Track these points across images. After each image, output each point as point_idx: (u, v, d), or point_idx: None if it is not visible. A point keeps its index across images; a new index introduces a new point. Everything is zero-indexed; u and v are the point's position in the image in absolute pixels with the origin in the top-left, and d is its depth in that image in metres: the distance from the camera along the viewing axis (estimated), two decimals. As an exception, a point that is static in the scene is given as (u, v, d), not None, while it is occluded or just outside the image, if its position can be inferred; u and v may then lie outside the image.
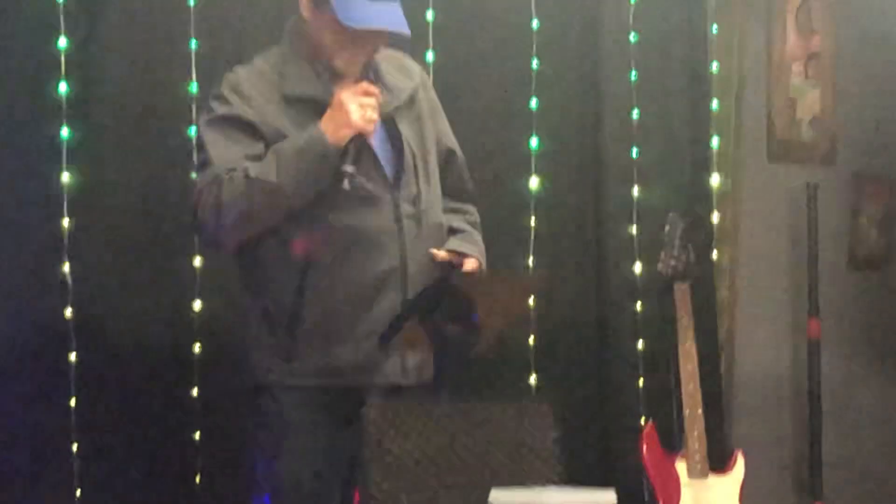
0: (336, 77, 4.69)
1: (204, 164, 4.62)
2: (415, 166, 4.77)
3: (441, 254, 4.76)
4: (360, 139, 4.56)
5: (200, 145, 4.67)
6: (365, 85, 4.61)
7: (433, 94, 4.95)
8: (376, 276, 4.69)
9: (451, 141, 4.96)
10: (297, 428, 4.72)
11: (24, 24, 5.18)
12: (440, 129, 4.93)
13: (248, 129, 4.62)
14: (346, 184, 4.50)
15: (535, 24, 5.98)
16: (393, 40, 4.77)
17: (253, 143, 4.61)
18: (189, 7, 5.39)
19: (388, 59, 4.85)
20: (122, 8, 5.36)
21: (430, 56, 5.68)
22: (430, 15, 5.67)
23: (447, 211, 4.92)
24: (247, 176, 4.52)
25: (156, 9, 5.41)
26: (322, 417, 4.73)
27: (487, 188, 5.58)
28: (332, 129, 4.54)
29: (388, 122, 4.72)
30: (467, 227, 4.95)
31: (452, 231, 4.90)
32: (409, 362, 4.79)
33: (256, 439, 4.79)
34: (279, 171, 4.52)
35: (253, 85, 4.69)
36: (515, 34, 5.99)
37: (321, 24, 4.68)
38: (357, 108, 4.55)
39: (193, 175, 4.83)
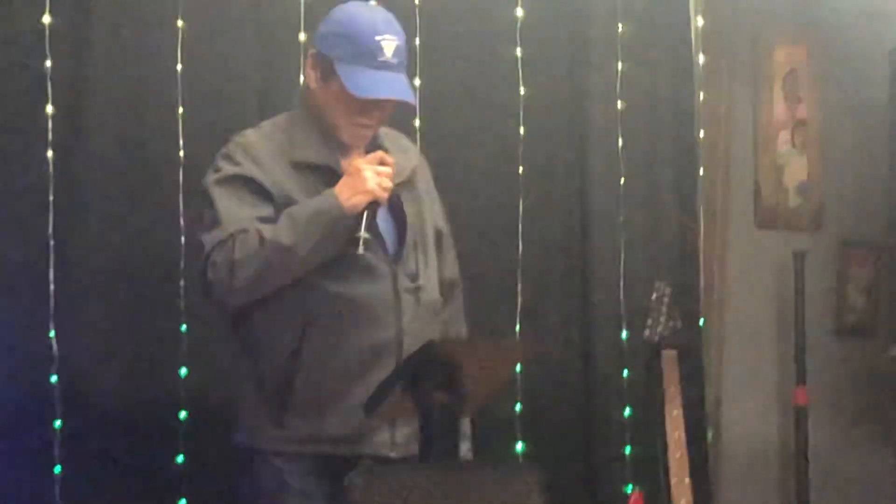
0: (343, 148, 4.73)
1: (213, 223, 4.59)
2: (414, 243, 4.80)
3: None
4: (375, 206, 4.58)
5: (208, 203, 4.63)
6: (381, 154, 4.66)
7: (429, 175, 4.99)
8: (372, 347, 4.70)
9: (443, 222, 5.00)
10: (289, 492, 4.71)
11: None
12: (435, 211, 4.96)
13: (257, 190, 4.63)
14: (360, 248, 4.51)
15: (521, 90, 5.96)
16: (398, 108, 4.80)
17: (262, 204, 4.62)
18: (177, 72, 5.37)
19: (390, 137, 4.89)
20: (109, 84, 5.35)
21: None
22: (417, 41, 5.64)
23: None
24: (261, 237, 4.52)
25: (144, 76, 5.39)
26: (313, 483, 4.73)
27: (475, 255, 5.59)
28: (347, 195, 4.56)
29: (393, 198, 4.72)
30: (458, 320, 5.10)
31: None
32: (398, 434, 4.80)
33: (252, 494, 4.77)
34: (293, 234, 4.53)
35: (262, 148, 4.71)
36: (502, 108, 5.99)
37: (328, 95, 4.73)
38: (374, 176, 4.58)
39: (199, 235, 4.70)
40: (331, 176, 4.65)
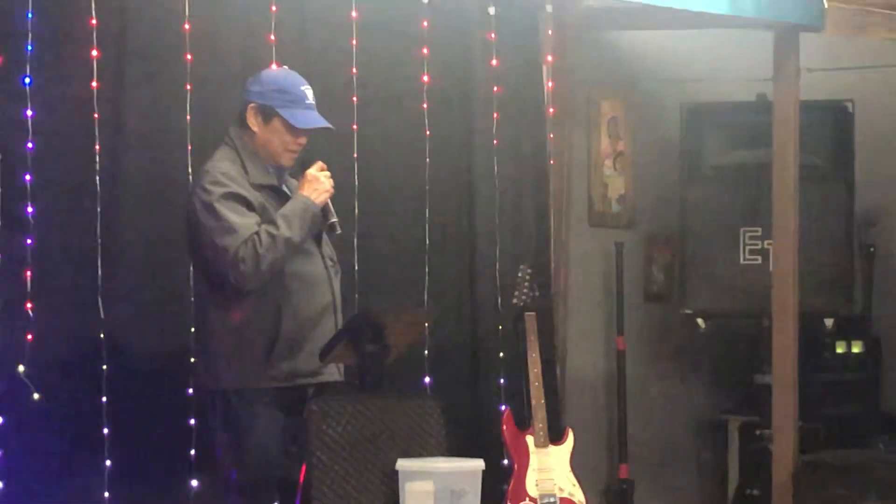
0: (280, 170, 4.76)
1: (230, 231, 4.53)
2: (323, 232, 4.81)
3: None
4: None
5: (215, 217, 4.56)
6: (321, 164, 4.72)
7: None
8: (321, 306, 4.72)
9: (334, 216, 4.90)
10: (264, 418, 4.66)
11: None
12: (330, 209, 4.89)
13: (245, 203, 4.61)
14: (337, 228, 4.68)
15: (427, 132, 5.92)
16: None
17: (252, 213, 4.60)
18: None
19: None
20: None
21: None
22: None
23: None
24: (271, 235, 4.53)
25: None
26: (278, 411, 4.69)
27: (396, 249, 5.56)
28: (315, 196, 4.64)
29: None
30: None
31: None
32: (342, 366, 4.80)
33: (231, 429, 4.70)
34: (291, 229, 4.56)
35: (234, 173, 4.66)
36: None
37: (270, 133, 4.71)
38: (326, 179, 4.68)
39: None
40: (276, 191, 4.70)
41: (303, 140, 4.75)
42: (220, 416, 4.71)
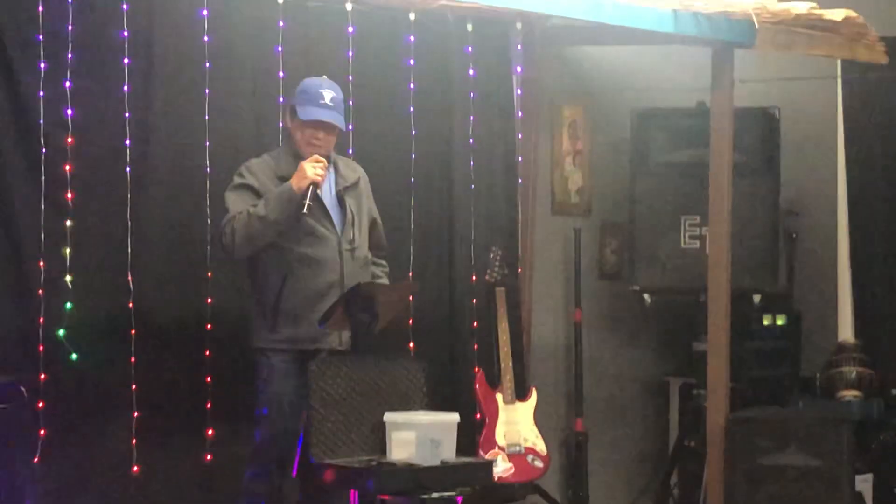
0: None
1: (226, 212, 4.74)
2: (353, 223, 4.86)
3: None
4: (314, 186, 4.67)
5: (224, 202, 4.79)
6: (315, 156, 4.72)
7: (369, 186, 5.09)
8: (326, 284, 4.79)
9: (376, 213, 5.09)
10: (279, 372, 4.77)
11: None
12: (371, 206, 5.05)
13: (250, 190, 4.75)
14: (305, 209, 4.64)
15: (413, 132, 5.91)
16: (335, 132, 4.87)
17: (254, 199, 4.71)
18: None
19: (343, 161, 5.00)
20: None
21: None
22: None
23: (373, 263, 5.05)
24: (248, 213, 4.64)
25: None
26: (292, 367, 4.78)
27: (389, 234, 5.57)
28: (296, 182, 4.66)
29: (339, 195, 4.87)
30: (381, 275, 5.09)
31: (374, 274, 5.05)
32: (343, 336, 4.81)
33: (256, 379, 4.83)
34: (266, 208, 4.64)
35: (259, 168, 4.81)
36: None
37: (294, 126, 4.82)
38: (310, 168, 4.67)
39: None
40: None
41: (321, 135, 4.79)
42: (254, 370, 4.86)
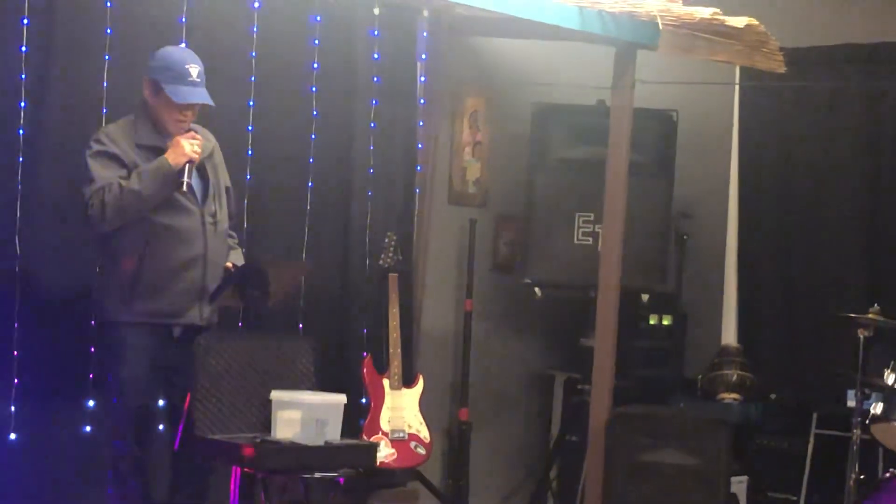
0: (168, 135, 4.70)
1: (91, 181, 4.57)
2: (215, 196, 4.78)
3: (228, 264, 4.81)
4: (191, 163, 4.59)
5: (86, 168, 4.61)
6: (192, 133, 4.66)
7: (220, 153, 4.96)
8: (189, 257, 4.68)
9: (229, 182, 4.97)
10: (133, 347, 4.64)
11: None
12: (224, 175, 4.94)
13: (116, 160, 4.61)
14: (184, 187, 4.55)
15: (314, 112, 5.90)
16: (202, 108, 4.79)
17: (120, 169, 4.58)
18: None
19: (199, 130, 4.86)
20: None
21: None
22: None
23: (229, 234, 4.95)
24: (120, 186, 4.51)
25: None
26: (149, 342, 4.66)
27: (285, 216, 5.54)
28: (172, 158, 4.56)
29: (200, 166, 4.76)
30: (236, 247, 4.99)
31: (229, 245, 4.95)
32: (205, 311, 4.76)
33: (105, 354, 4.72)
34: (140, 183, 4.52)
35: (117, 135, 4.67)
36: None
37: (159, 102, 4.69)
38: (188, 145, 4.59)
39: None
40: (160, 152, 4.64)
41: (189, 113, 4.71)
42: (101, 344, 4.72)
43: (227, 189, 4.93)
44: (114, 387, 4.66)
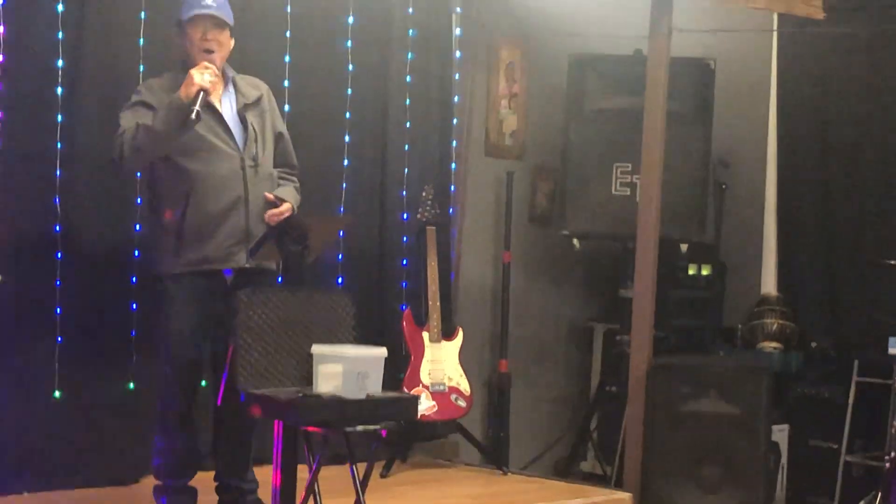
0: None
1: (119, 128, 4.59)
2: (256, 139, 4.75)
3: (269, 195, 4.75)
4: (205, 92, 4.51)
5: (119, 119, 4.62)
6: (204, 63, 4.58)
7: (273, 101, 4.92)
8: (230, 201, 4.66)
9: (283, 128, 4.93)
10: (184, 300, 4.65)
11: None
12: (276, 121, 4.91)
13: (146, 107, 4.61)
14: (195, 115, 4.46)
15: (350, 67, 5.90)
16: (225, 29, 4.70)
17: (149, 114, 4.58)
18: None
19: (244, 79, 4.85)
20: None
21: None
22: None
23: (281, 177, 4.89)
24: (137, 126, 4.52)
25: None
26: (197, 292, 4.67)
27: (325, 174, 5.56)
28: (184, 90, 4.50)
29: (240, 113, 4.74)
30: (291, 181, 4.94)
31: (282, 181, 4.90)
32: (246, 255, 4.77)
33: (159, 308, 4.72)
34: (154, 120, 4.51)
35: (159, 84, 4.69)
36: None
37: (184, 40, 4.69)
38: (198, 74, 4.51)
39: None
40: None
41: (210, 36, 4.64)
42: (152, 298, 4.74)
43: (279, 134, 4.91)
44: (164, 340, 4.69)
